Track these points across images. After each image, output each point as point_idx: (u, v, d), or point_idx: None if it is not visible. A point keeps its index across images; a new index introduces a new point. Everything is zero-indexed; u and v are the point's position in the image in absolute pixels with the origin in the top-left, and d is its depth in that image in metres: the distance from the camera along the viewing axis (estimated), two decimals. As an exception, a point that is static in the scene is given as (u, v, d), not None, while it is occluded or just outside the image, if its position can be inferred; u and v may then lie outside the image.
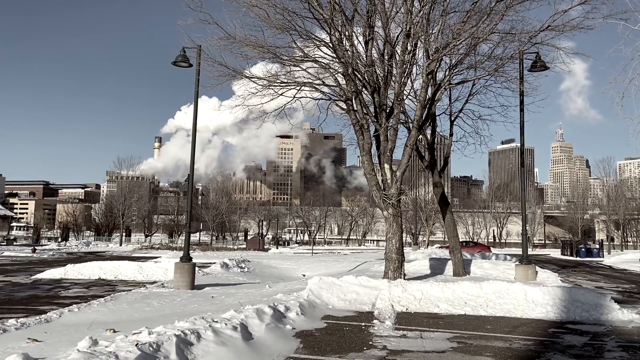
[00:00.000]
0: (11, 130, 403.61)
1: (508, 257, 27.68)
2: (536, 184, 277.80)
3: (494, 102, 22.10)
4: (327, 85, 15.63)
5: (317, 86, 15.62)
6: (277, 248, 63.08)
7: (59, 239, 76.72)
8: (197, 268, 16.44)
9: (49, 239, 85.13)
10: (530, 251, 39.95)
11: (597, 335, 9.20)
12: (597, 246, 47.76)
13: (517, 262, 18.70)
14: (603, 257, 43.68)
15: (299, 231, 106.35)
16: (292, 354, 7.29)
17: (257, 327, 8.20)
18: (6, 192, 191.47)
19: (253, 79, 15.59)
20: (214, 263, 23.29)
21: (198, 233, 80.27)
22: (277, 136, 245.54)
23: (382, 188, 15.25)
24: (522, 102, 17.60)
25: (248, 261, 25.67)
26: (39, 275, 19.66)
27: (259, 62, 16.82)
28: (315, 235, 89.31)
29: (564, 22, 13.97)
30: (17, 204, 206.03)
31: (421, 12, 14.67)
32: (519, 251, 40.62)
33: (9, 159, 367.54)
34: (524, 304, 11.47)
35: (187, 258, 15.58)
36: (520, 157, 19.46)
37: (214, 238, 79.24)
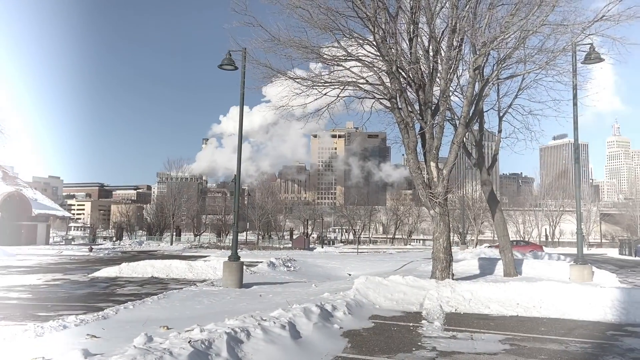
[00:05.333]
0: (66, 134, 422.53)
1: (562, 257, 26.69)
2: (591, 181, 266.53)
3: (545, 97, 21.33)
4: (370, 84, 15.54)
5: (360, 85, 15.56)
6: (322, 247, 63.28)
7: (114, 239, 79.68)
8: (244, 267, 16.71)
9: (104, 238, 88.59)
10: (585, 251, 38.44)
11: (660, 339, 8.73)
12: (658, 245, 45.30)
13: (572, 262, 18.02)
14: (665, 256, 41.42)
15: (344, 230, 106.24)
16: (340, 354, 7.30)
17: (305, 326, 8.25)
18: (64, 194, 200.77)
19: (297, 80, 15.71)
20: (261, 262, 23.60)
21: (245, 232, 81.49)
22: (339, 136, 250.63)
23: (428, 186, 15.03)
24: (575, 95, 16.93)
25: (294, 260, 25.86)
26: (96, 274, 20.48)
27: (302, 64, 16.92)
28: (360, 234, 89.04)
29: (619, 12, 13.35)
30: (74, 205, 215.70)
31: (467, 7, 14.36)
32: (573, 251, 39.14)
33: (66, 163, 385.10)
34: (580, 305, 11.03)
35: (235, 257, 15.85)
36: (574, 152, 18.72)
37: (260, 237, 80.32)
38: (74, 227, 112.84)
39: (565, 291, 11.64)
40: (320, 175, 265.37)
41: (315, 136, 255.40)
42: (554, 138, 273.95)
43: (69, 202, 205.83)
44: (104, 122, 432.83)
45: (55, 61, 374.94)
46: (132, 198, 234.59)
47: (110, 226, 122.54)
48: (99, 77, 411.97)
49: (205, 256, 33.94)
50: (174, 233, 73.44)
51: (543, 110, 19.88)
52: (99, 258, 34.27)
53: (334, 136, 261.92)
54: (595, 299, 11.13)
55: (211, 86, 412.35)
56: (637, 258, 41.33)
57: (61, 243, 62.23)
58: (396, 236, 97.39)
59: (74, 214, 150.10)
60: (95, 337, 7.59)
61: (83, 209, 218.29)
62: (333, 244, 79.23)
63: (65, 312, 10.83)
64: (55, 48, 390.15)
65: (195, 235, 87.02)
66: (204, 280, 18.05)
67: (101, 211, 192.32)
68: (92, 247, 47.89)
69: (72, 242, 65.78)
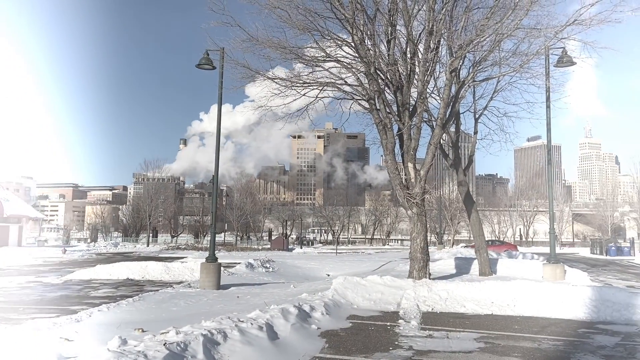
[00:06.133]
0: (39, 133, 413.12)
1: (535, 256, 27.19)
2: (564, 182, 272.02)
3: (519, 99, 21.61)
4: (349, 85, 15.61)
5: (339, 86, 15.62)
6: (301, 248, 63.23)
7: (88, 240, 78.38)
8: (222, 268, 16.60)
9: (79, 240, 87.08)
10: (558, 250, 39.20)
11: (629, 335, 8.98)
12: (628, 244, 46.56)
13: (545, 261, 18.38)
14: (634, 255, 42.55)
15: (323, 231, 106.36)
16: (317, 354, 7.31)
17: (283, 326, 8.25)
18: (37, 195, 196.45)
19: (276, 80, 15.68)
20: (239, 263, 23.49)
21: (223, 233, 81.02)
22: (318, 137, 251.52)
23: (406, 187, 15.16)
24: (548, 98, 17.28)
25: (272, 261, 25.79)
26: (70, 276, 20.10)
27: (281, 63, 16.90)
28: (339, 235, 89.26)
29: (591, 16, 13.69)
30: (47, 206, 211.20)
31: (444, 9, 14.55)
32: (546, 250, 39.86)
33: (39, 163, 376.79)
34: (552, 303, 11.27)
35: (212, 258, 15.75)
36: (547, 154, 19.09)
37: (238, 238, 79.89)
38: (48, 228, 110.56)
39: (538, 290, 11.87)
40: (300, 176, 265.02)
41: (295, 137, 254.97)
42: (528, 140, 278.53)
43: (42, 203, 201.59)
44: (79, 120, 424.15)
45: (24, 57, 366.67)
46: (108, 199, 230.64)
47: (85, 227, 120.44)
48: (72, 74, 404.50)
49: (182, 257, 33.61)
50: (151, 234, 72.48)
51: (517, 113, 20.26)
52: (72, 260, 33.65)
53: (321, 137, 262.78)
54: (568, 298, 11.37)
55: (193, 84, 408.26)
56: (607, 257, 42.37)
57: (34, 245, 60.88)
58: (375, 236, 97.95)
59: (47, 215, 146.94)
60: (68, 340, 7.46)
61: (57, 210, 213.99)
62: (312, 244, 79.19)
63: (37, 315, 10.61)
64: (24, 45, 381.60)
65: (173, 237, 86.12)
66: (181, 282, 17.88)
67: (75, 212, 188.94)
68: (66, 248, 46.98)
69: (46, 244, 64.40)
